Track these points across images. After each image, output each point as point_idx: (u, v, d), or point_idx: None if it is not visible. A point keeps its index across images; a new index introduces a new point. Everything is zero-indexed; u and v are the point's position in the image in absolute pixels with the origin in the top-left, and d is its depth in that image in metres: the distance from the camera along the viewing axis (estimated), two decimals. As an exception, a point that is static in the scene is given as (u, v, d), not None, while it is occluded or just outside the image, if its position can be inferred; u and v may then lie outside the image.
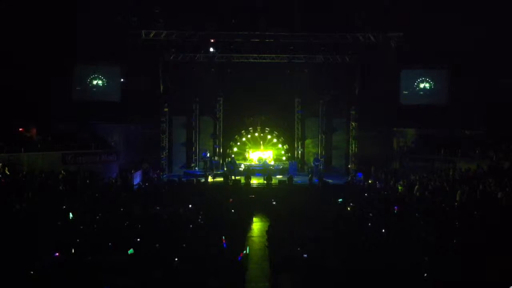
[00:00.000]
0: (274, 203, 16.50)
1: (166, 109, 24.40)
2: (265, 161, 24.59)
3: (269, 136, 26.00)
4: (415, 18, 21.73)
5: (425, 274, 7.76)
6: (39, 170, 18.07)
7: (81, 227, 11.17)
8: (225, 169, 23.86)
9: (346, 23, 22.33)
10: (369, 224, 11.89)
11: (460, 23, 21.76)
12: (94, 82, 25.06)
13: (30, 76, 23.13)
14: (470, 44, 21.93)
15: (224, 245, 9.97)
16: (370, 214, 13.41)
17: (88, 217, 12.28)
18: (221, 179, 22.08)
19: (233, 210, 14.33)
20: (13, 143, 19.22)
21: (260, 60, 24.02)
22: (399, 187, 19.97)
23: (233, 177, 22.04)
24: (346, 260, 8.51)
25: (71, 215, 12.11)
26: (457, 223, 11.84)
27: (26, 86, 22.62)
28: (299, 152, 25.93)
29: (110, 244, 9.45)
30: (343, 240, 10.16)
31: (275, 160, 25.37)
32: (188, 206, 14.44)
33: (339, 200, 16.46)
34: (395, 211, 14.22)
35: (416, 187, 18.75)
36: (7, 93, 21.75)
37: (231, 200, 16.16)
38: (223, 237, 10.07)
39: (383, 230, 11.07)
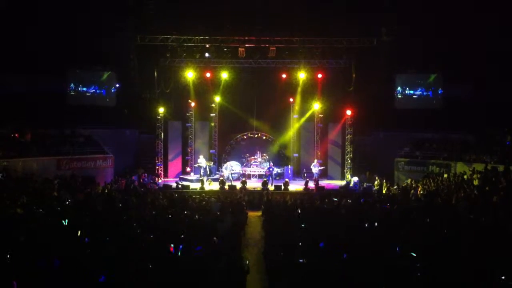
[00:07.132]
0: (270, 209, 16.43)
1: (161, 114, 24.33)
2: (260, 166, 24.51)
3: (265, 141, 25.93)
4: (409, 22, 21.91)
5: (418, 274, 7.81)
6: (33, 175, 17.94)
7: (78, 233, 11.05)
8: (222, 173, 23.72)
9: (341, 27, 22.53)
10: (365, 226, 11.89)
11: (454, 27, 21.98)
12: (89, 87, 25.05)
13: (25, 80, 23.20)
14: (464, 48, 22.13)
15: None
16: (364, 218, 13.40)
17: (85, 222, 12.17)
18: (217, 184, 21.99)
19: (225, 220, 14.23)
20: (8, 148, 19.11)
21: (256, 65, 24.10)
22: (394, 191, 20.02)
23: (229, 183, 22.02)
24: (343, 265, 8.49)
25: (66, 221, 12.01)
26: (453, 226, 11.85)
27: (22, 91, 22.65)
28: (295, 157, 25.90)
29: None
30: (339, 244, 10.13)
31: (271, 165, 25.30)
32: (184, 212, 14.36)
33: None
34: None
35: (412, 191, 18.81)
36: (2, 98, 21.74)
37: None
38: (215, 238, 10.13)
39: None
